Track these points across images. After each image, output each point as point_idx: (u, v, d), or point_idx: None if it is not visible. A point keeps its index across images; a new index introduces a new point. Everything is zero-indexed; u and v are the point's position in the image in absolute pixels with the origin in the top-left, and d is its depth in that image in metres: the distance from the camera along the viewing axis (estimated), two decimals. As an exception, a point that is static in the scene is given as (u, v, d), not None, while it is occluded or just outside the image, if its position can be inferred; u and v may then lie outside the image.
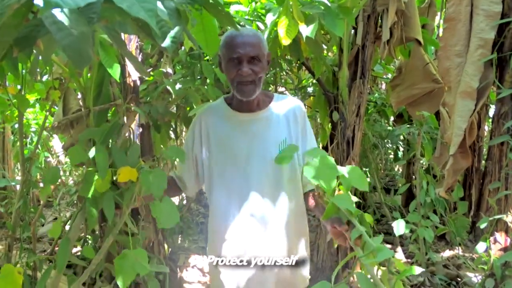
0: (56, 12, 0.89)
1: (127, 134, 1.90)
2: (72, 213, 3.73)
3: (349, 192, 1.11)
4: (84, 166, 2.03)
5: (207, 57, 3.08)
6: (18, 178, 3.41)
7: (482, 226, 2.13)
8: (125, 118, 1.84)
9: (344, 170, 1.12)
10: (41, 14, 0.74)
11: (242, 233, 1.44)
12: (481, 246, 2.18)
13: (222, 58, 1.43)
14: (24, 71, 2.12)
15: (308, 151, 1.21)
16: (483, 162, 4.36)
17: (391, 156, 6.72)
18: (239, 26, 1.24)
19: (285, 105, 1.51)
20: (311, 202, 1.49)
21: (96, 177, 1.21)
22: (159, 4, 0.91)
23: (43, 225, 4.72)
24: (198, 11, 1.07)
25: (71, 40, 0.85)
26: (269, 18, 2.21)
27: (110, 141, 1.52)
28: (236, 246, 1.46)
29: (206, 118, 1.51)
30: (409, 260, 3.41)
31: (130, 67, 2.41)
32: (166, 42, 1.01)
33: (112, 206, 1.20)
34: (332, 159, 1.13)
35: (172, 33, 1.03)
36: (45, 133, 4.29)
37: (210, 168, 1.49)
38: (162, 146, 3.52)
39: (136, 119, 2.44)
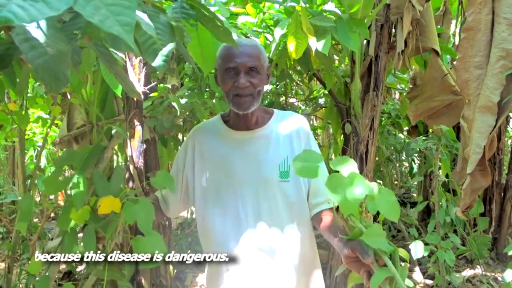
0: (31, 27, 0.80)
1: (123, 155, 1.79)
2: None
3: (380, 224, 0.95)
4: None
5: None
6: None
7: (510, 252, 1.97)
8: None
9: (374, 187, 0.94)
10: None
11: (241, 266, 1.31)
12: (509, 274, 2.01)
13: (218, 69, 1.32)
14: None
15: (335, 160, 1.02)
16: (504, 175, 4.19)
17: (405, 165, 6.55)
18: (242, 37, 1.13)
19: (287, 122, 1.39)
20: (323, 222, 1.31)
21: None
22: (145, 18, 0.81)
23: (51, 239, 4.67)
24: (193, 26, 0.96)
25: (45, 60, 0.76)
26: (278, 32, 2.11)
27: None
28: (235, 279, 1.33)
29: (200, 137, 1.40)
30: (428, 281, 3.24)
31: (134, 81, 2.33)
32: (157, 61, 0.91)
33: (93, 241, 1.09)
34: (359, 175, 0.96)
35: (164, 51, 0.93)
36: (51, 147, 4.25)
37: (205, 191, 1.37)
38: (169, 161, 3.44)
39: (140, 135, 2.36)
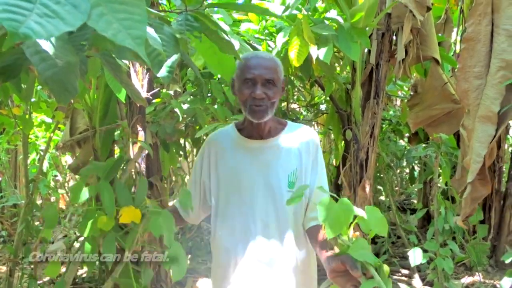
0: (41, 40, 0.82)
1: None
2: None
3: (365, 239, 1.00)
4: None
5: (217, 76, 3.02)
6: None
7: (508, 260, 1.98)
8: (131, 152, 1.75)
9: (361, 212, 1.01)
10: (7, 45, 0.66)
11: (247, 271, 1.36)
12: (506, 282, 2.02)
13: (236, 79, 1.38)
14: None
15: (321, 188, 1.10)
16: (504, 183, 4.20)
17: (406, 171, 6.56)
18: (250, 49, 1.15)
19: (299, 134, 1.44)
20: (315, 236, 1.34)
21: (96, 215, 1.12)
22: (151, 31, 0.83)
23: (52, 243, 4.68)
24: (197, 38, 0.99)
25: (55, 72, 0.78)
26: (280, 39, 2.14)
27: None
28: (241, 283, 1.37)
29: (215, 145, 1.46)
30: (426, 288, 3.25)
31: (137, 87, 2.35)
32: (162, 72, 0.94)
33: (113, 249, 1.11)
34: (346, 200, 1.02)
35: (169, 62, 0.96)
36: (54, 151, 4.27)
37: (217, 197, 1.43)
38: (171, 166, 3.46)
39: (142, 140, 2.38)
